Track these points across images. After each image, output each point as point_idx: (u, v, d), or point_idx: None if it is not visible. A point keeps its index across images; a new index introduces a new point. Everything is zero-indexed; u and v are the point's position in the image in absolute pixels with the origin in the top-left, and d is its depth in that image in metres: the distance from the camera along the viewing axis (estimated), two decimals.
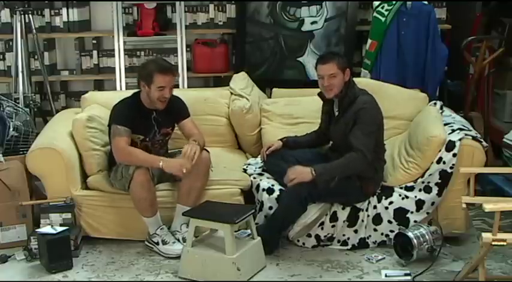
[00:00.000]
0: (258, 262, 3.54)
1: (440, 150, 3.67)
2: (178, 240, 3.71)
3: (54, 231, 3.57)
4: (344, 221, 3.75)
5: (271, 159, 3.96)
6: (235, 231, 3.51)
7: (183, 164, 3.58)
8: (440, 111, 4.18)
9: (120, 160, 3.69)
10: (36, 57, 4.97)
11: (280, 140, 4.01)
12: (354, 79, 3.80)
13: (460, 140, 3.68)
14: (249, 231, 3.59)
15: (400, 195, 3.76)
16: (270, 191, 3.81)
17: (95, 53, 5.17)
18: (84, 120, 3.92)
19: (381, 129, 3.75)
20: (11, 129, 4.05)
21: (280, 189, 3.79)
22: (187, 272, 3.46)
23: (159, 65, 3.71)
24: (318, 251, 3.77)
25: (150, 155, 3.69)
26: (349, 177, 3.64)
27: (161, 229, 3.72)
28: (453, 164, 3.66)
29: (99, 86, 5.28)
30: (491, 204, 2.80)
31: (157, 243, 3.72)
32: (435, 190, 3.72)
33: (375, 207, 3.76)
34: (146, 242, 3.81)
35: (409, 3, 4.60)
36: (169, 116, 3.84)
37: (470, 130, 3.85)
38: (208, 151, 3.84)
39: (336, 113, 3.76)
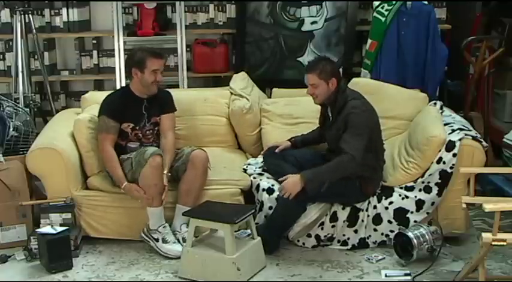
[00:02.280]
0: (258, 262, 3.54)
1: (440, 150, 3.67)
2: (178, 240, 3.71)
3: (54, 231, 3.57)
4: (344, 221, 3.75)
5: (271, 159, 3.96)
6: (235, 231, 3.51)
7: (141, 197, 3.67)
8: (440, 111, 4.17)
9: (101, 155, 3.85)
10: (36, 57, 4.96)
11: (289, 140, 4.01)
12: (354, 79, 3.81)
13: (460, 140, 3.68)
14: (249, 231, 3.59)
15: (400, 195, 3.76)
16: (270, 191, 3.81)
17: (95, 53, 5.18)
18: (86, 121, 3.93)
19: (375, 131, 3.73)
20: (11, 129, 4.05)
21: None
22: (187, 272, 3.46)
23: (149, 51, 3.87)
24: (318, 251, 3.77)
25: (121, 172, 3.74)
26: (348, 178, 3.63)
27: (164, 227, 3.72)
28: (453, 164, 3.66)
29: (99, 86, 5.28)
30: (491, 204, 2.79)
31: (157, 240, 3.71)
32: (435, 190, 3.72)
33: (375, 207, 3.76)
34: (143, 234, 3.78)
35: (409, 3, 4.59)
36: (158, 106, 3.94)
37: (470, 130, 3.84)
38: (204, 151, 3.84)
39: (330, 118, 3.76)
